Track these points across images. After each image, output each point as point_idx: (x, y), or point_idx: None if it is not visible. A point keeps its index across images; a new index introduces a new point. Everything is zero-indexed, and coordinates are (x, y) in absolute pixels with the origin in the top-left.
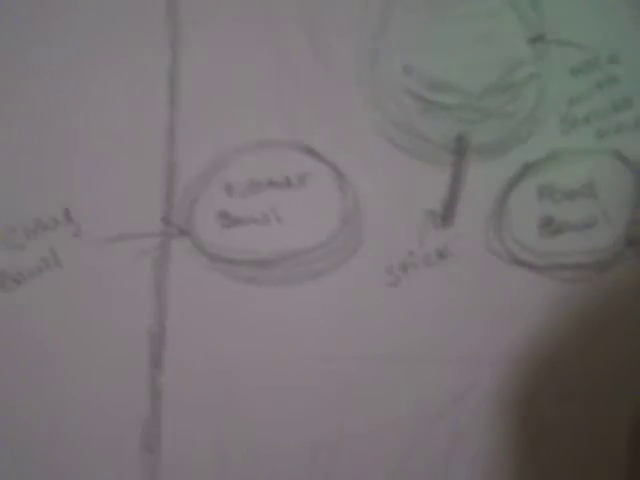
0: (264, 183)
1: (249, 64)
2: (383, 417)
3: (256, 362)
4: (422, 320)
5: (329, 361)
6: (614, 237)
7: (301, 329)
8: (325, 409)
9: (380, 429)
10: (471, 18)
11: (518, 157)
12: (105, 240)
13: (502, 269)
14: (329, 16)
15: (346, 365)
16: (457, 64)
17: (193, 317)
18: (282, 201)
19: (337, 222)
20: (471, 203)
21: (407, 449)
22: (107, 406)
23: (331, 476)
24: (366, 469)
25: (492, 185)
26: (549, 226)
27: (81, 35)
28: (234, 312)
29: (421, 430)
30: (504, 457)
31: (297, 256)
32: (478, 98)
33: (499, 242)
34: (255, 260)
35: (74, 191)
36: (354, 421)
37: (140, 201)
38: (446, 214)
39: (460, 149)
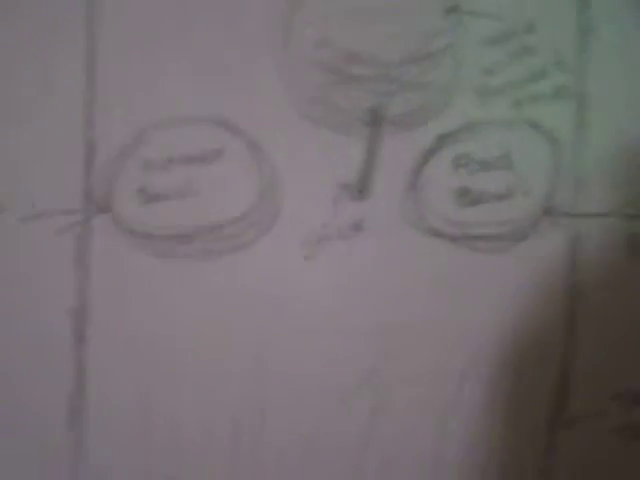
0: (181, 158)
1: (165, 42)
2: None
3: (177, 336)
4: (337, 293)
5: (246, 334)
6: (531, 208)
7: (220, 302)
8: (243, 381)
9: (292, 407)
10: None
11: (434, 128)
12: (26, 218)
13: (419, 241)
14: None
15: (261, 337)
16: (373, 35)
17: (115, 292)
18: (199, 176)
19: (254, 196)
20: (387, 175)
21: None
22: (31, 382)
23: (257, 449)
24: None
25: (408, 157)
26: (466, 197)
27: None
28: (155, 286)
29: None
30: None
31: (215, 230)
32: (394, 69)
33: (416, 214)
34: (174, 235)
35: None
36: (273, 395)
37: (60, 179)
38: (362, 186)
39: (375, 121)
